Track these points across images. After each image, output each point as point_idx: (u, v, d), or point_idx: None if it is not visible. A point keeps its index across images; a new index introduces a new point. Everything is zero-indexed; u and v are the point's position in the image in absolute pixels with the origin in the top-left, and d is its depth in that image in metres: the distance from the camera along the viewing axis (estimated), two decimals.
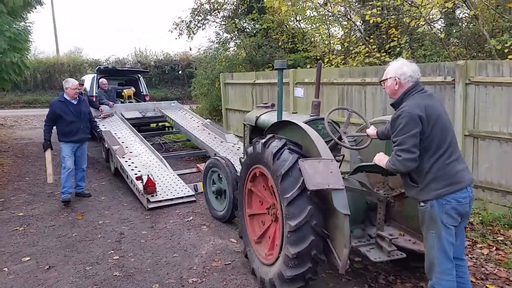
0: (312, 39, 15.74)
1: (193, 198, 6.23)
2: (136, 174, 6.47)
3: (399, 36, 9.07)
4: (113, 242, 4.82)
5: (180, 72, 28.67)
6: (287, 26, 15.26)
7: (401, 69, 3.02)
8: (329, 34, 15.79)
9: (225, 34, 16.44)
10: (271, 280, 3.47)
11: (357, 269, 4.06)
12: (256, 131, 5.44)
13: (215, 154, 8.00)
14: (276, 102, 5.72)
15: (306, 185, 3.03)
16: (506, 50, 6.85)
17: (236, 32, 16.04)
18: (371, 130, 3.79)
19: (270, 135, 3.65)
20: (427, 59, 8.29)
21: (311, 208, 3.10)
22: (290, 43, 14.77)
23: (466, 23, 8.14)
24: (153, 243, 4.77)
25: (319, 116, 4.51)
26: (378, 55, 8.67)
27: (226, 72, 11.63)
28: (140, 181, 5.94)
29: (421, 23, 7.61)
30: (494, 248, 4.42)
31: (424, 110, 2.80)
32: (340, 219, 3.02)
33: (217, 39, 15.86)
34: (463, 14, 10.22)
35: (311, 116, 4.61)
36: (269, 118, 5.16)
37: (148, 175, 5.94)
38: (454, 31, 9.01)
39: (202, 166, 7.28)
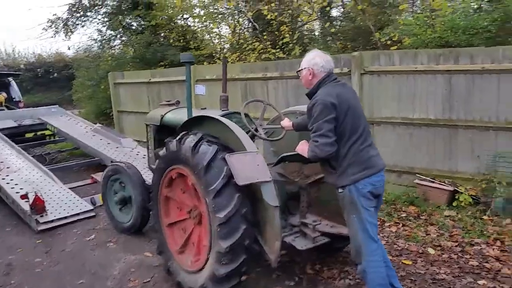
0: (203, 37, 15.53)
1: (92, 213, 5.54)
2: (18, 192, 5.51)
3: (290, 33, 9.34)
4: (0, 276, 3.98)
5: (56, 74, 25.90)
6: (175, 23, 14.79)
7: (314, 59, 3.08)
8: (219, 32, 15.74)
9: (109, 32, 15.28)
10: (202, 286, 3.20)
11: (284, 263, 3.96)
12: (162, 131, 5.04)
13: (111, 161, 7.29)
14: (180, 100, 5.42)
15: (236, 181, 2.90)
16: (388, 42, 7.48)
17: (121, 29, 15.00)
18: (286, 122, 3.80)
19: (183, 132, 3.42)
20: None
21: (239, 196, 2.99)
22: (181, 40, 14.34)
23: (353, 18, 8.73)
24: (52, 270, 4.08)
25: (231, 110, 4.32)
26: (273, 51, 8.79)
27: (114, 72, 10.71)
28: (26, 199, 5.06)
29: (313, 18, 7.90)
30: (401, 225, 4.73)
31: (336, 98, 2.86)
32: (270, 211, 2.97)
33: (100, 37, 14.62)
34: (337, 12, 11.03)
35: (222, 110, 4.41)
36: (176, 116, 4.81)
37: (35, 192, 5.08)
38: (338, 26, 9.61)
39: (98, 176, 6.57)
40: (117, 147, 7.96)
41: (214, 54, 12.39)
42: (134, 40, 13.76)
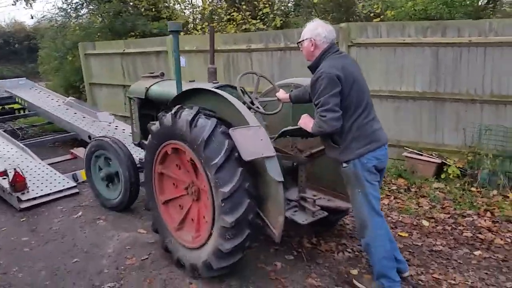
0: (174, 6, 14.98)
1: (76, 190, 5.33)
2: None
3: (270, 3, 9.11)
4: None
5: (16, 45, 24.42)
6: None
7: (316, 30, 2.98)
8: (191, 1, 15.20)
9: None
10: (205, 262, 3.15)
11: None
12: (146, 104, 4.86)
13: (89, 136, 7.01)
14: (164, 71, 5.20)
15: (242, 156, 2.81)
16: (371, 15, 7.43)
17: None
18: (282, 94, 3.72)
19: (178, 106, 3.27)
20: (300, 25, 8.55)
21: (242, 170, 2.92)
22: (152, 9, 13.76)
23: None
24: (41, 249, 3.91)
25: (222, 83, 4.18)
26: (253, 21, 8.57)
27: (84, 42, 10.17)
28: (4, 177, 4.78)
29: None
30: (392, 197, 4.82)
31: (341, 70, 2.79)
32: (273, 186, 2.92)
33: (65, 5, 13.77)
34: None
35: (213, 83, 4.27)
36: (163, 88, 4.64)
37: (14, 169, 4.80)
38: None
39: (78, 152, 6.32)
40: (93, 121, 7.64)
41: (188, 25, 11.97)
42: (103, 9, 13.06)
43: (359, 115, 2.84)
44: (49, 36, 14.25)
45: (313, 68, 2.99)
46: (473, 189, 4.77)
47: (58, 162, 6.13)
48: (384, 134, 3.00)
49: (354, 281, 3.22)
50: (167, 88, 4.61)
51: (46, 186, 5.21)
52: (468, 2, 6.70)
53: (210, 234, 3.14)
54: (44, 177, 5.38)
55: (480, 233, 3.91)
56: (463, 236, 3.88)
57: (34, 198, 4.96)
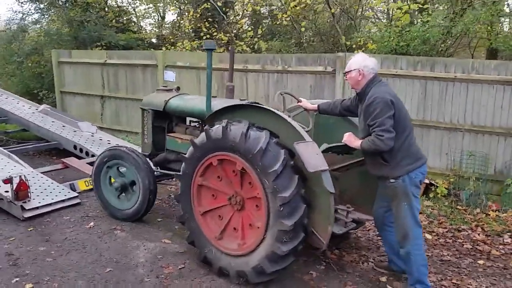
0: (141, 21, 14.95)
1: (78, 200, 5.14)
2: None
3: (253, 27, 9.48)
4: (8, 267, 3.57)
5: None
6: (106, 3, 13.97)
7: (364, 62, 3.37)
8: (160, 16, 15.23)
9: (30, 4, 13.75)
10: (256, 267, 3.29)
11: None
12: (160, 117, 4.92)
13: (74, 146, 6.77)
14: (169, 85, 5.29)
15: (307, 168, 3.03)
16: (354, 46, 8.06)
17: (45, 3, 13.59)
18: (308, 104, 4.02)
19: (225, 120, 3.45)
20: (285, 51, 9.01)
21: (298, 177, 3.16)
22: (119, 21, 13.62)
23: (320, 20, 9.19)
24: (65, 259, 3.76)
25: (249, 101, 4.39)
26: (240, 43, 8.85)
27: (59, 49, 9.83)
28: (8, 184, 4.52)
29: (285, 18, 8.17)
30: None
31: (394, 97, 3.19)
32: (325, 197, 3.15)
33: (22, 10, 13.15)
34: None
35: (241, 100, 4.51)
36: (187, 102, 4.74)
37: (20, 176, 4.56)
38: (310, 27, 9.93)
39: (70, 161, 6.09)
40: (74, 131, 7.39)
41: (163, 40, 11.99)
42: (65, 18, 12.68)
43: (407, 136, 3.21)
44: (4, 40, 13.45)
45: (361, 95, 3.36)
46: (459, 207, 5.34)
47: (48, 171, 5.83)
48: (423, 153, 3.40)
49: (388, 286, 3.51)
50: (191, 102, 4.72)
51: (47, 195, 4.98)
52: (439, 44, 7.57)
53: (262, 239, 3.28)
54: (42, 186, 5.13)
55: (478, 245, 4.41)
56: (464, 248, 4.36)
57: (37, 208, 4.72)
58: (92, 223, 4.56)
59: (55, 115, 7.92)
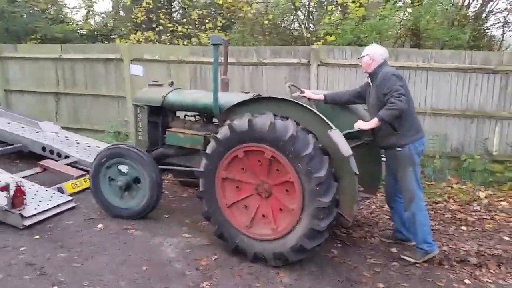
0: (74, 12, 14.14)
1: (73, 204, 4.94)
2: None
3: (216, 19, 9.51)
4: (37, 276, 3.42)
5: None
6: None
7: (375, 49, 3.98)
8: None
9: None
10: (294, 246, 3.54)
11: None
12: (155, 112, 4.92)
13: (43, 147, 6.39)
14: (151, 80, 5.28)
15: (343, 153, 3.37)
16: (314, 38, 8.50)
17: None
18: (311, 94, 4.41)
19: (247, 114, 3.65)
20: (247, 43, 9.19)
21: (329, 158, 3.49)
22: (46, 12, 12.80)
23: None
24: (94, 263, 3.68)
25: (255, 94, 4.58)
26: (203, 35, 8.83)
27: (3, 43, 9.03)
28: (5, 192, 4.22)
29: (251, 11, 8.32)
30: None
31: (400, 74, 3.75)
32: (351, 178, 3.52)
33: None
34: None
35: (245, 93, 4.71)
36: (188, 97, 4.80)
37: (17, 183, 4.28)
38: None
39: (49, 164, 5.77)
40: (37, 132, 6.95)
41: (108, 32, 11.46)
42: None
43: (411, 109, 3.77)
44: None
45: (372, 75, 3.89)
46: (427, 183, 6.04)
47: (28, 176, 5.46)
48: None
49: (402, 256, 3.98)
50: (192, 97, 4.77)
51: (40, 201, 4.72)
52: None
53: (298, 220, 3.54)
54: (30, 192, 4.83)
55: (456, 214, 5.10)
56: (446, 217, 5.01)
57: (35, 215, 4.47)
58: (100, 225, 4.46)
59: (9, 116, 7.35)
